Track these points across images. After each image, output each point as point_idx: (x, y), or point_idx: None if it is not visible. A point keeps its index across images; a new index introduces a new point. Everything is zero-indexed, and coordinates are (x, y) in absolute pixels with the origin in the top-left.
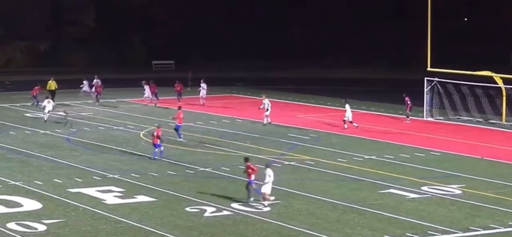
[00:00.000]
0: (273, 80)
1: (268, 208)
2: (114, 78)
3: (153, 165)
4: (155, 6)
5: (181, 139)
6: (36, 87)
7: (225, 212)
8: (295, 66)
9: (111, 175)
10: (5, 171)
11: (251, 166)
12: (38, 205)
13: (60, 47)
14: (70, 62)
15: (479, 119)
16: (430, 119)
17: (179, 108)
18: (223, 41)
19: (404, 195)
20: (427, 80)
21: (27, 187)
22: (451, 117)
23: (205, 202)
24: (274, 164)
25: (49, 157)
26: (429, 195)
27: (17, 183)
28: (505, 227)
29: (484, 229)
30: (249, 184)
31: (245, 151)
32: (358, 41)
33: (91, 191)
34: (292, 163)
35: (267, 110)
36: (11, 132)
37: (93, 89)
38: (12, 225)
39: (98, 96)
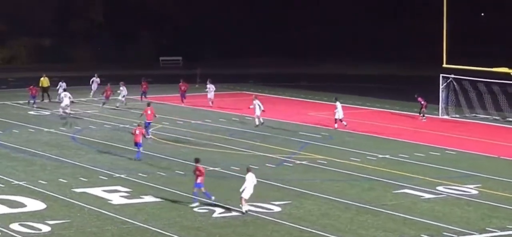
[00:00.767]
0: (285, 77)
1: (245, 211)
2: (120, 74)
3: (162, 164)
4: (164, 1)
5: (149, 137)
6: (31, 87)
7: (234, 213)
8: (308, 63)
9: (117, 175)
10: (9, 171)
11: (200, 168)
12: (42, 205)
13: (66, 43)
14: (76, 58)
15: (496, 117)
16: (445, 117)
17: (148, 104)
18: (234, 38)
19: (419, 195)
20: (442, 77)
21: (31, 187)
22: (467, 115)
23: (214, 202)
24: (285, 164)
25: (54, 156)
26: (445, 195)
27: (20, 182)
28: None
29: (501, 230)
30: (194, 186)
31: (255, 150)
32: (373, 38)
33: (97, 191)
34: (303, 162)
35: (262, 110)
36: (14, 131)
37: (103, 93)
38: (15, 226)
39: (106, 100)
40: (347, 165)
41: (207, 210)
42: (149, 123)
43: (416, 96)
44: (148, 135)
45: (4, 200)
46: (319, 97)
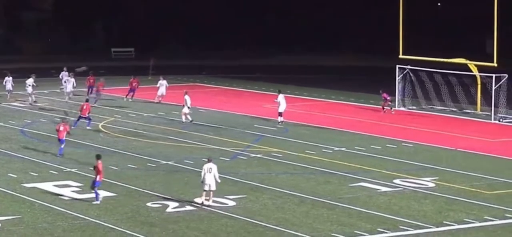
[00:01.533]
0: (239, 69)
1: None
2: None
3: (113, 158)
4: None
5: (73, 128)
6: None
7: (188, 207)
8: (265, 54)
9: (68, 169)
10: None
11: (100, 168)
12: None
13: (15, 34)
14: (25, 49)
15: (453, 109)
16: (402, 109)
17: (87, 100)
18: (190, 29)
19: (375, 189)
20: (399, 68)
21: None
22: (424, 107)
23: (167, 197)
24: (240, 157)
25: (2, 150)
26: (401, 189)
27: None
28: (480, 222)
29: (458, 224)
30: (94, 184)
31: (209, 143)
32: (327, 29)
33: (48, 186)
34: (258, 155)
35: (189, 107)
36: None
37: (94, 89)
38: None
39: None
40: (303, 158)
41: (160, 205)
42: (82, 117)
43: (381, 91)
44: (89, 126)
45: None
46: (274, 88)
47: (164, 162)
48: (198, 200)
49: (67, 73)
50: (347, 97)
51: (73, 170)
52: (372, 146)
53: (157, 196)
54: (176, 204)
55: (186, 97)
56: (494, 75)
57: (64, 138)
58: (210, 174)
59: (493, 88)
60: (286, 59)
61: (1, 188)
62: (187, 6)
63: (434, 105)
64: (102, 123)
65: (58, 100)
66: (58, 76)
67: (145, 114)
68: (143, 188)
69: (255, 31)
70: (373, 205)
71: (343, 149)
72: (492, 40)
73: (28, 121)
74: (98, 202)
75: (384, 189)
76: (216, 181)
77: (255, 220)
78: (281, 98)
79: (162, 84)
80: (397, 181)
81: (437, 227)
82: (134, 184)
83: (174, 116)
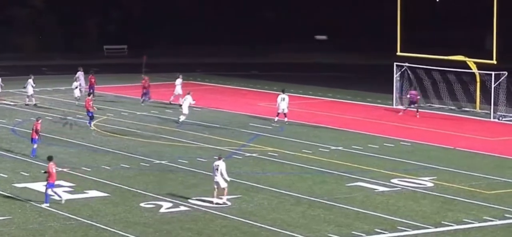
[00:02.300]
0: (235, 66)
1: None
2: (63, 64)
3: (106, 157)
4: None
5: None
6: None
7: (182, 208)
8: (259, 52)
9: (60, 169)
10: None
11: (51, 170)
12: None
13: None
14: (17, 47)
15: (452, 107)
16: (400, 107)
17: (89, 95)
18: (184, 26)
19: (373, 189)
20: (397, 65)
21: None
22: (422, 105)
23: (161, 197)
24: (235, 156)
25: None
26: (399, 188)
27: None
28: (479, 222)
29: (457, 224)
30: (47, 187)
31: (204, 142)
32: (324, 26)
33: (39, 186)
34: (254, 154)
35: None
36: None
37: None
38: None
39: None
40: (299, 157)
41: (154, 205)
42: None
43: (408, 89)
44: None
45: None
46: (269, 86)
47: (158, 161)
48: (213, 199)
49: (82, 73)
50: (344, 95)
51: (65, 170)
52: (369, 145)
53: (151, 196)
54: (170, 204)
55: (188, 96)
56: (493, 73)
57: (36, 138)
58: (218, 172)
59: (493, 85)
60: (282, 57)
61: None
62: (181, 3)
63: (432, 104)
64: (94, 122)
65: (49, 98)
66: (74, 75)
67: (138, 113)
68: (136, 188)
69: (251, 28)
70: (370, 205)
71: (340, 148)
72: (492, 37)
73: (19, 120)
74: (61, 200)
75: (381, 189)
76: (225, 179)
77: (250, 220)
78: (280, 98)
79: (178, 84)
80: (395, 180)
81: (436, 227)
82: (127, 184)
83: (167, 115)
